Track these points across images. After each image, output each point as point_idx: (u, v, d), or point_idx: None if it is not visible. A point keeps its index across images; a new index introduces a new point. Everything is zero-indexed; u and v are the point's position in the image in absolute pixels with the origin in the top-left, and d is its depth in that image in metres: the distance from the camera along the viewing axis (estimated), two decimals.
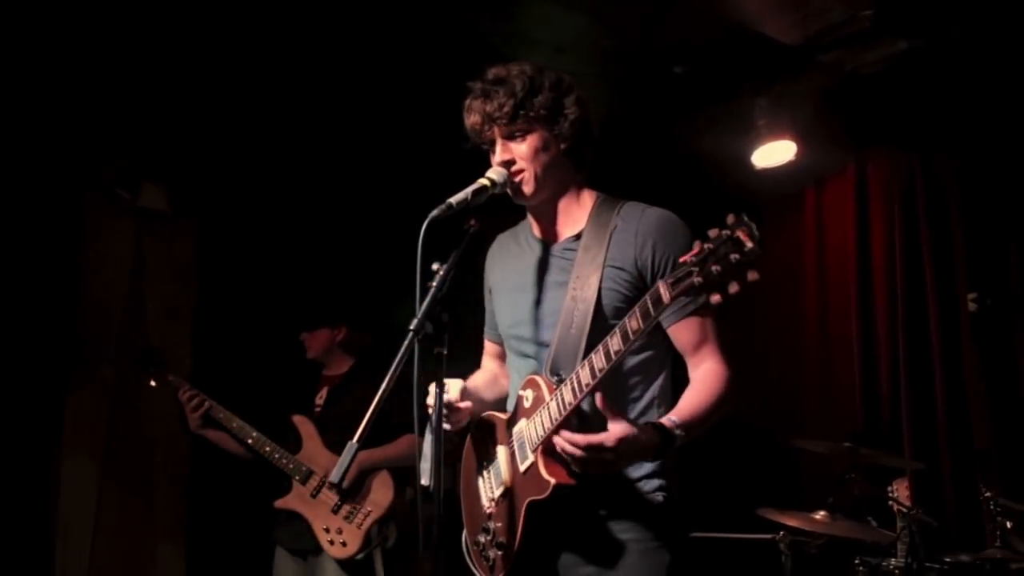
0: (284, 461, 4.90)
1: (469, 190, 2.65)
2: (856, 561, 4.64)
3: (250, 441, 4.92)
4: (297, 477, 4.86)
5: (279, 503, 4.91)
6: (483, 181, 2.71)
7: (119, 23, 4.88)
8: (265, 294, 6.32)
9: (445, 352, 2.50)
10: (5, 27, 4.78)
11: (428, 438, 2.56)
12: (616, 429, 2.41)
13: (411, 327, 2.44)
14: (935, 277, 5.52)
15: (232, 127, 5.85)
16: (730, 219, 2.18)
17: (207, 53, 5.19)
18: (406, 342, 2.45)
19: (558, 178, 2.86)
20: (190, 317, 6.33)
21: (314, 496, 4.84)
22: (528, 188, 2.80)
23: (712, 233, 2.20)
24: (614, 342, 2.40)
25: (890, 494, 4.70)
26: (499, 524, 2.72)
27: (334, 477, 2.39)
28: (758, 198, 6.52)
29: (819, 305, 6.24)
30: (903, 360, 5.60)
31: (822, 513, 4.60)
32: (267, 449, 4.91)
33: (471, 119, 2.84)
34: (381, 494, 4.79)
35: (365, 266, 6.11)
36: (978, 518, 5.06)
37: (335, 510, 4.77)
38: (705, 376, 2.68)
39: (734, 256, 2.14)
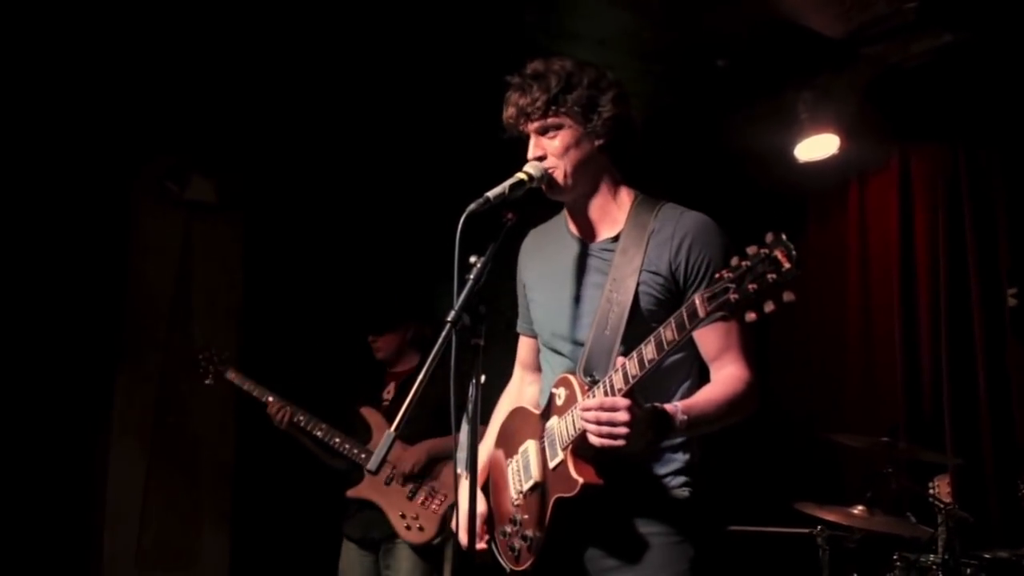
0: (356, 451, 4.96)
1: (506, 184, 2.67)
2: (894, 556, 4.61)
3: (319, 434, 5.00)
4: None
5: (351, 492, 4.99)
6: (520, 175, 2.72)
7: (170, 18, 4.97)
8: (312, 286, 6.39)
9: (482, 343, 2.53)
10: (56, 23, 4.87)
11: (465, 428, 2.60)
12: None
13: (448, 319, 2.48)
14: (979, 271, 5.46)
15: (279, 120, 5.92)
16: (769, 238, 2.18)
17: (257, 48, 5.27)
18: (443, 334, 2.49)
19: (592, 176, 2.85)
20: (237, 308, 6.41)
21: (388, 484, 4.93)
22: (558, 185, 2.81)
23: (750, 251, 2.21)
24: (648, 350, 2.42)
25: (931, 490, 4.68)
26: (526, 516, 2.75)
27: (371, 465, 2.44)
28: (801, 192, 6.50)
29: (862, 299, 6.19)
30: (945, 354, 5.55)
31: (860, 508, 4.58)
32: (336, 440, 4.98)
33: (507, 112, 2.85)
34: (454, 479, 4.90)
35: (410, 259, 6.15)
36: (1021, 514, 5.03)
37: (411, 497, 4.88)
38: (725, 378, 2.69)
39: (771, 276, 2.14)
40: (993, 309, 5.41)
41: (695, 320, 2.32)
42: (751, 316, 2.20)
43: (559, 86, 2.76)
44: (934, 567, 4.42)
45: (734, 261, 2.23)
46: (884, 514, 4.59)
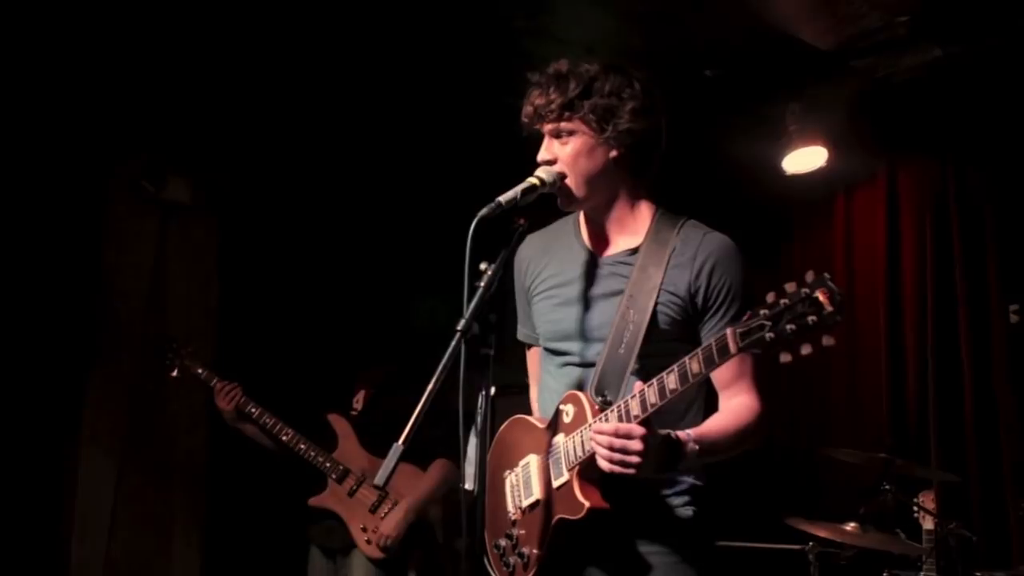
0: (320, 459, 4.84)
1: (518, 189, 2.57)
2: (884, 573, 4.61)
3: (284, 438, 4.85)
4: (333, 476, 4.82)
5: (313, 501, 4.86)
6: (532, 180, 2.63)
7: (147, 17, 4.88)
8: (288, 288, 6.30)
9: (492, 353, 2.44)
10: (31, 20, 4.77)
11: (472, 441, 2.51)
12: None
13: (458, 327, 2.39)
14: (966, 287, 5.46)
15: (258, 121, 5.83)
16: (810, 276, 2.10)
17: (236, 47, 5.19)
18: (453, 343, 2.39)
19: (606, 186, 2.76)
20: (213, 310, 6.30)
21: (351, 495, 4.81)
22: (572, 195, 2.72)
23: (789, 288, 2.12)
24: (671, 380, 2.35)
25: (918, 506, 4.66)
26: (523, 532, 2.68)
27: (379, 480, 2.34)
28: (787, 204, 6.48)
29: (847, 312, 6.16)
30: (931, 371, 5.55)
31: (852, 524, 4.57)
32: (301, 447, 4.85)
33: (525, 110, 2.76)
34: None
35: (403, 267, 6.07)
36: (1005, 532, 5.02)
37: (373, 509, 4.74)
38: (736, 407, 2.63)
39: (811, 318, 2.06)
40: (980, 325, 5.41)
41: (725, 355, 2.24)
42: (786, 358, 2.13)
43: (577, 90, 2.66)
44: None
45: (770, 298, 2.14)
46: (876, 531, 4.57)
